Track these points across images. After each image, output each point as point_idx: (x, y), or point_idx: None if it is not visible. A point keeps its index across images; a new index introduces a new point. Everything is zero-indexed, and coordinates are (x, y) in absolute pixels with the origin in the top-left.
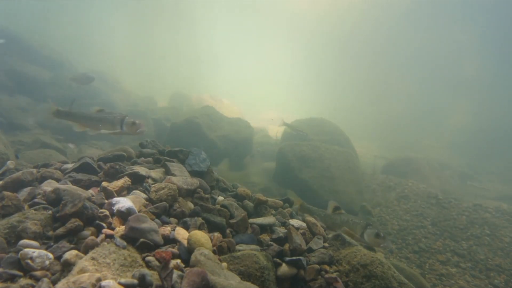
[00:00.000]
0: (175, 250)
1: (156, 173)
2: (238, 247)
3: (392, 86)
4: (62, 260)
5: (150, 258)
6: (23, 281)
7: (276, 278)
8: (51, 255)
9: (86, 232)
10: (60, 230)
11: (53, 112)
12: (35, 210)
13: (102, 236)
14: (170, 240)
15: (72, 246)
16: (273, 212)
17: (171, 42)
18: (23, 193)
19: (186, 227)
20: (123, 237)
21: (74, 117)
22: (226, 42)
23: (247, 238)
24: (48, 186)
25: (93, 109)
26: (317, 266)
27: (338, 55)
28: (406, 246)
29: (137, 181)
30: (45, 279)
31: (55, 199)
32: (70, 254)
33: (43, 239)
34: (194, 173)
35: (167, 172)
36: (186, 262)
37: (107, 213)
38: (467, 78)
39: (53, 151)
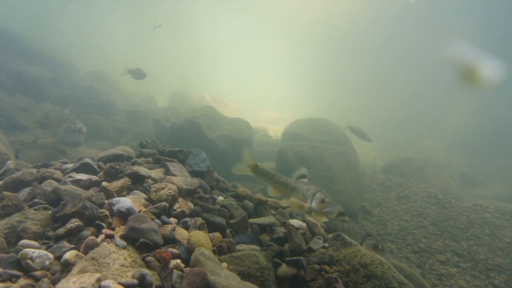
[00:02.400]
0: (175, 250)
1: (156, 173)
2: (238, 247)
3: (392, 86)
4: (62, 260)
5: (150, 258)
6: (23, 281)
7: (276, 278)
8: (51, 255)
9: (86, 232)
10: (60, 230)
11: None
12: (35, 210)
13: (102, 236)
14: (170, 240)
15: (72, 246)
16: (273, 212)
17: (171, 42)
18: (23, 193)
19: (186, 227)
20: (123, 237)
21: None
22: (226, 42)
23: (247, 238)
24: (48, 186)
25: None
26: (317, 266)
27: (338, 55)
28: (406, 246)
29: (137, 181)
30: (45, 279)
31: (55, 199)
32: (70, 254)
33: (43, 239)
34: (194, 173)
35: (167, 172)
36: (186, 262)
37: (107, 213)
38: None
39: (53, 151)
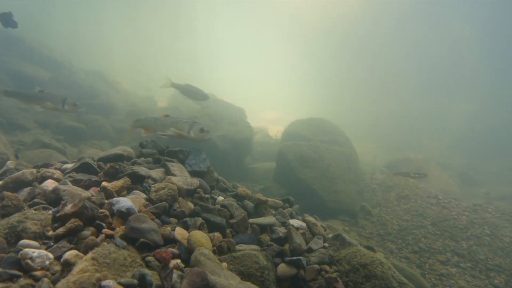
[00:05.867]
0: (175, 250)
1: (156, 173)
2: (238, 247)
3: (392, 86)
4: (62, 260)
5: (150, 258)
6: (23, 281)
7: (276, 278)
8: (51, 255)
9: (86, 232)
10: (60, 230)
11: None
12: (35, 210)
13: (102, 236)
14: (170, 240)
15: (72, 246)
16: (273, 212)
17: (171, 41)
18: (23, 193)
19: (186, 227)
20: (123, 237)
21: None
22: (226, 41)
23: (247, 238)
24: (48, 186)
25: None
26: (317, 266)
27: (338, 55)
28: (406, 246)
29: (137, 181)
30: (45, 279)
31: (55, 199)
32: (70, 254)
33: (43, 239)
34: (194, 173)
35: (167, 172)
36: (186, 262)
37: (107, 213)
38: (467, 78)
39: (53, 151)
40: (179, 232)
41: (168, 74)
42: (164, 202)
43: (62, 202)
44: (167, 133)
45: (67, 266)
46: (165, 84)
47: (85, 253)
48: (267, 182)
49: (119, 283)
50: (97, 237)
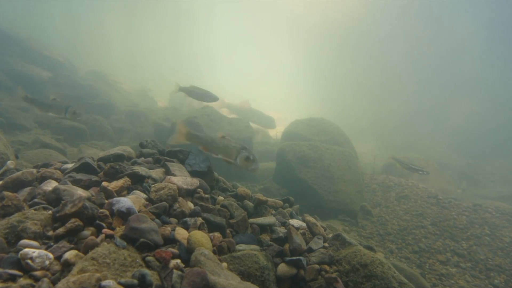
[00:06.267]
0: (175, 250)
1: (156, 173)
2: (238, 247)
3: (392, 86)
4: (62, 260)
5: (150, 258)
6: (23, 281)
7: (276, 278)
8: (51, 255)
9: (86, 232)
10: (60, 230)
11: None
12: (35, 210)
13: (102, 236)
14: (170, 240)
15: (72, 246)
16: (273, 212)
17: (171, 41)
18: (23, 193)
19: (186, 227)
20: (123, 237)
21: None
22: (226, 41)
23: (247, 238)
24: (48, 186)
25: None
26: (317, 266)
27: (338, 55)
28: (406, 246)
29: (137, 181)
30: (45, 279)
31: (55, 199)
32: (70, 254)
33: (43, 239)
34: (194, 173)
35: (167, 172)
36: (186, 262)
37: (107, 213)
38: (467, 78)
39: (53, 151)
40: (179, 232)
41: (177, 80)
42: (164, 202)
43: (62, 202)
44: (218, 156)
45: (67, 266)
46: (174, 90)
47: (85, 253)
48: (267, 182)
49: (119, 283)
50: (97, 237)
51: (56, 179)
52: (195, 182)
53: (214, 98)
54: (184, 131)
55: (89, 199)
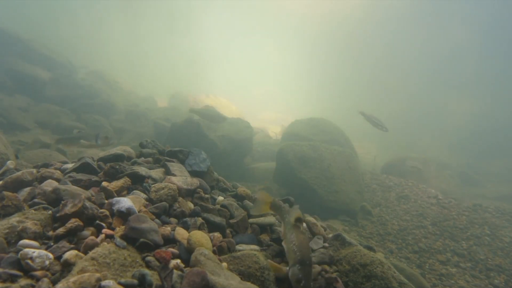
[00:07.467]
0: (175, 250)
1: (156, 173)
2: (238, 247)
3: (392, 86)
4: (62, 260)
5: (150, 258)
6: (23, 281)
7: (276, 278)
8: (51, 255)
9: (86, 232)
10: (60, 230)
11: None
12: (35, 210)
13: (102, 236)
14: (170, 240)
15: (72, 246)
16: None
17: (171, 41)
18: (23, 193)
19: (186, 227)
20: (123, 237)
21: None
22: (226, 42)
23: (247, 238)
24: (48, 186)
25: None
26: (317, 266)
27: (338, 55)
28: (406, 246)
29: (137, 181)
30: (45, 279)
31: (55, 199)
32: (70, 254)
33: (43, 239)
34: (194, 173)
35: (167, 172)
36: (186, 262)
37: (107, 213)
38: (468, 78)
39: (53, 151)
40: (179, 232)
41: (191, 105)
42: (164, 202)
43: (62, 202)
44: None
45: (67, 266)
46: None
47: (85, 253)
48: (267, 182)
49: (119, 283)
50: (97, 237)
51: (56, 179)
52: (195, 182)
53: (223, 119)
54: (268, 200)
55: (89, 199)
